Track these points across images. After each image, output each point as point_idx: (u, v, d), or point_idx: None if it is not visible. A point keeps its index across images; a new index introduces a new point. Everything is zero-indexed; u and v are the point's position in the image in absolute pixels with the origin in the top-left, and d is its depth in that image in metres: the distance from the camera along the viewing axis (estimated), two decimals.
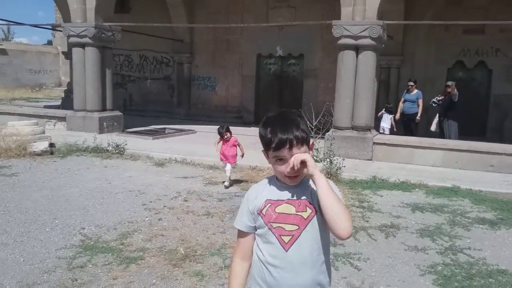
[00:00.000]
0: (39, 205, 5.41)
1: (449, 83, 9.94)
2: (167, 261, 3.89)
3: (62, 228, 4.68)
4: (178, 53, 15.44)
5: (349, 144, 8.78)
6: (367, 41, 8.55)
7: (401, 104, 10.84)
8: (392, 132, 10.71)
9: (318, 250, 1.57)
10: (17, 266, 3.73)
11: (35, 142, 8.37)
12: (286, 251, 1.55)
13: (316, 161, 7.37)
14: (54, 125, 10.58)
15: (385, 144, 8.77)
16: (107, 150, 8.71)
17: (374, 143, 8.75)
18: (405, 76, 12.46)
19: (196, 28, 14.92)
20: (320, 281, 1.57)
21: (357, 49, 8.72)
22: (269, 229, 1.58)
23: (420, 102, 10.49)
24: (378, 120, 10.52)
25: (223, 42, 14.94)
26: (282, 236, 1.56)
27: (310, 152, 1.59)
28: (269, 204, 1.59)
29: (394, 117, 10.88)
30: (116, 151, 8.68)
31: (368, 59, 8.69)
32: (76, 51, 10.82)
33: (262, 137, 1.58)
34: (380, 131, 10.44)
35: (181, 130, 12.07)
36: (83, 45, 10.74)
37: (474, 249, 4.39)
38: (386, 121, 10.85)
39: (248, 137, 11.12)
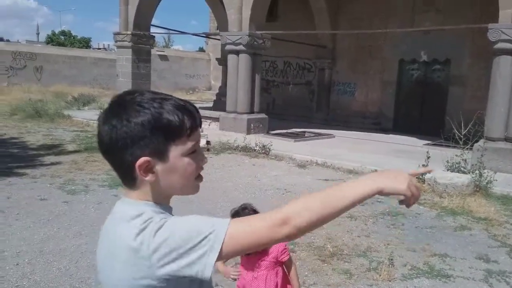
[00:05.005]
0: (202, 195, 6.25)
1: None
2: (316, 256, 4.27)
3: (223, 217, 5.37)
4: (320, 59, 15.88)
5: (501, 156, 8.22)
6: None
7: None
8: None
9: None
10: None
11: None
12: None
13: (463, 172, 7.10)
14: (209, 125, 11.84)
15: None
16: (254, 150, 9.51)
17: None
18: None
19: (339, 34, 15.19)
20: None
21: None
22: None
23: None
24: None
25: (365, 48, 14.95)
26: None
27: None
28: None
29: None
30: (262, 151, 9.43)
31: None
32: (231, 57, 11.95)
33: (171, 123, 1.01)
34: None
35: (320, 134, 12.47)
36: (237, 52, 11.81)
37: None
38: None
39: (387, 144, 11.09)
